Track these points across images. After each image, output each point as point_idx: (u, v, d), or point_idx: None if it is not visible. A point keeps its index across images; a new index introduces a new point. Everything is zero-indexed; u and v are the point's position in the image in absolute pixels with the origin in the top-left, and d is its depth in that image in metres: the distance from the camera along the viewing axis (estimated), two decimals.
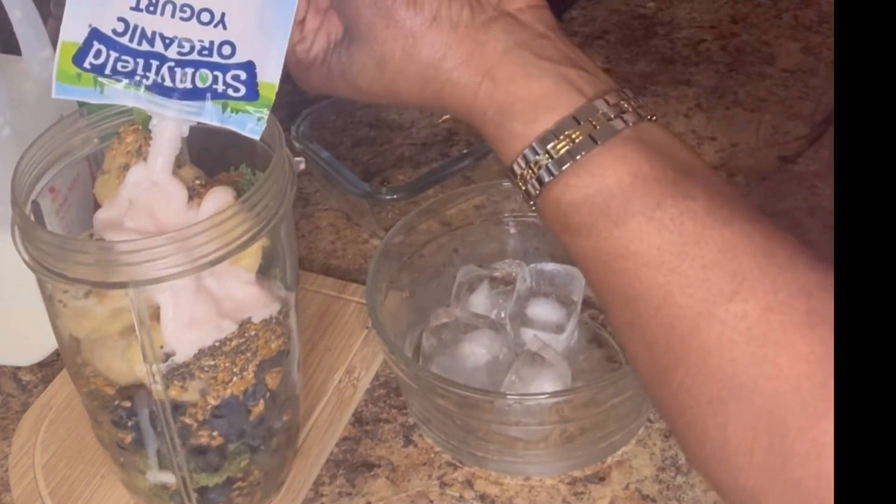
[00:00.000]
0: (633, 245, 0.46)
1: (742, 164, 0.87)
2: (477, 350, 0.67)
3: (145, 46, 0.53)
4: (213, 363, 0.55)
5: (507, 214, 0.74)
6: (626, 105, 0.49)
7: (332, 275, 0.80)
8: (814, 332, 0.43)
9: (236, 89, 0.53)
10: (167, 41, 0.53)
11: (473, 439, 0.65)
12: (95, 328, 0.55)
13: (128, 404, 0.57)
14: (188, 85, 0.53)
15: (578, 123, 0.49)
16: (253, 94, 0.53)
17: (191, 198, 0.55)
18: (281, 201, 0.54)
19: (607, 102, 0.49)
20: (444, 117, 0.90)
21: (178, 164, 0.55)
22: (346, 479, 0.66)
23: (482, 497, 0.65)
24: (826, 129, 0.66)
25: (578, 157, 0.48)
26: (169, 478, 0.59)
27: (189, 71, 0.53)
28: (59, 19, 0.69)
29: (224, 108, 0.53)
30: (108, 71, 0.53)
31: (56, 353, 0.74)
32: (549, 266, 0.71)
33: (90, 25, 0.53)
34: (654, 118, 0.50)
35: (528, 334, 0.68)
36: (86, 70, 0.53)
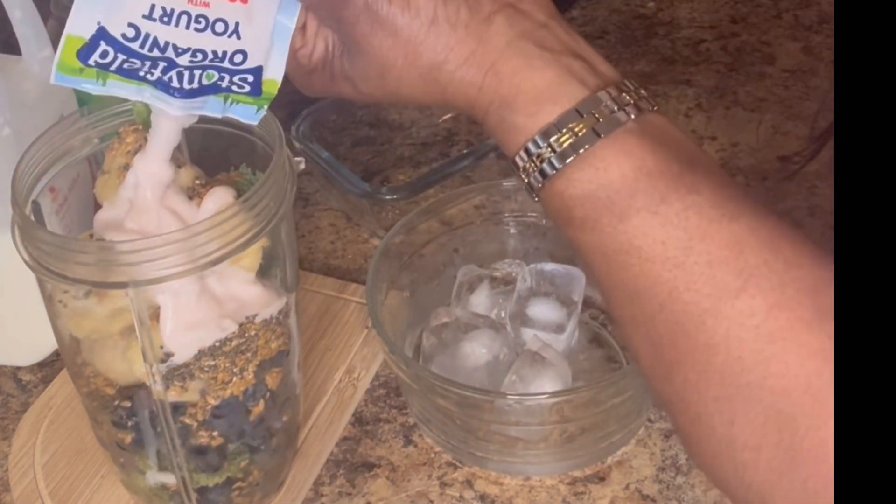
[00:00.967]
0: (637, 240, 0.46)
1: (742, 164, 0.87)
2: (477, 350, 0.67)
3: (156, 53, 0.53)
4: (213, 363, 0.55)
5: (507, 214, 0.74)
6: (628, 97, 0.49)
7: (332, 275, 0.80)
8: (822, 328, 0.42)
9: (241, 87, 0.53)
10: (180, 51, 0.53)
11: (473, 439, 0.65)
12: (95, 328, 0.55)
13: (128, 404, 0.57)
14: (194, 85, 0.53)
15: (581, 116, 0.48)
16: (257, 90, 0.53)
17: (191, 198, 0.55)
18: (281, 201, 0.54)
19: (610, 94, 0.48)
20: (445, 117, 0.90)
21: (178, 165, 0.55)
22: (346, 479, 0.66)
23: (482, 497, 0.65)
24: (821, 146, 0.65)
25: (581, 151, 0.47)
26: (169, 478, 0.59)
27: (197, 73, 0.53)
28: (59, 19, 0.69)
29: (226, 99, 0.53)
30: (113, 69, 0.52)
31: (56, 353, 0.74)
32: (550, 266, 0.70)
33: (99, 24, 0.53)
34: (657, 109, 0.49)
35: (528, 334, 0.68)
36: (90, 66, 0.52)
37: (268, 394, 0.58)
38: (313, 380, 0.71)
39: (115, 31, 0.53)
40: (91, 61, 0.52)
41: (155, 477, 0.59)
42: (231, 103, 0.52)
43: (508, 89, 0.50)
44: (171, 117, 0.53)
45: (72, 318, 0.55)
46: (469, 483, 0.65)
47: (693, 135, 0.90)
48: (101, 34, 0.53)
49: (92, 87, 0.52)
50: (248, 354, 0.56)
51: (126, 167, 0.55)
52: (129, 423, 0.57)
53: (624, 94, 0.49)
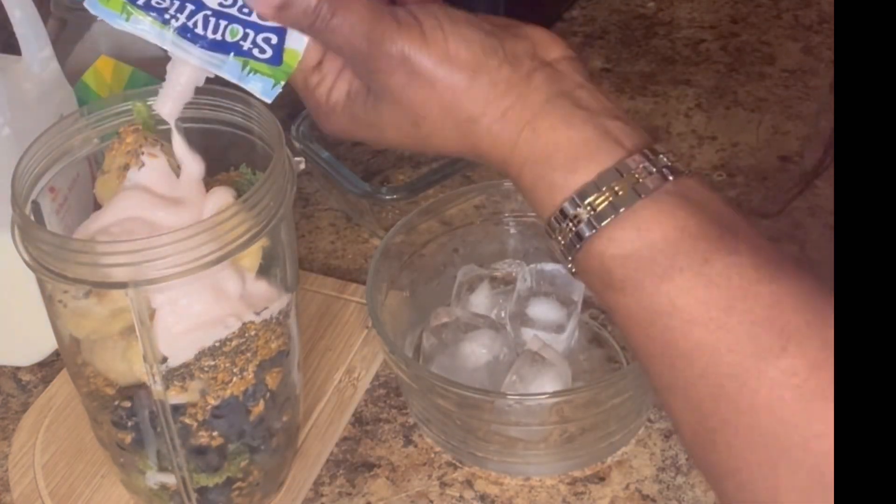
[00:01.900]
0: (680, 300, 0.45)
1: (742, 164, 0.87)
2: (477, 350, 0.67)
3: None
4: (213, 363, 0.55)
5: (507, 214, 0.74)
6: (665, 158, 0.48)
7: (332, 275, 0.80)
8: None
9: (262, 50, 0.52)
10: None
11: (473, 439, 0.65)
12: (95, 328, 0.55)
13: (128, 404, 0.57)
14: (217, 37, 0.52)
15: (621, 175, 0.47)
16: (277, 58, 0.52)
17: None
18: (281, 201, 0.54)
19: (647, 156, 0.48)
20: None
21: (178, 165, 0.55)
22: (346, 479, 0.66)
23: (482, 497, 0.65)
24: (811, 180, 0.65)
25: (622, 211, 0.47)
26: (169, 478, 0.59)
27: (223, 23, 0.52)
28: (59, 19, 0.69)
29: (244, 66, 0.52)
30: (140, 3, 0.52)
31: (56, 353, 0.74)
32: (550, 266, 0.70)
33: None
34: (691, 172, 0.49)
35: (528, 334, 0.68)
36: None
37: (268, 394, 0.58)
38: (313, 380, 0.71)
39: None
40: None
41: (155, 477, 0.59)
42: (249, 72, 0.52)
43: (545, 146, 0.49)
44: (188, 66, 0.52)
45: (72, 318, 0.55)
46: (469, 483, 0.65)
47: (693, 135, 0.90)
48: None
49: (115, 20, 0.52)
50: (248, 354, 0.56)
51: (126, 167, 0.55)
52: (129, 423, 0.57)
53: (661, 156, 0.48)
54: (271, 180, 0.53)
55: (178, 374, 0.55)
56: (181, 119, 0.57)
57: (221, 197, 0.55)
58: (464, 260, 0.74)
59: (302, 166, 0.58)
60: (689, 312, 0.45)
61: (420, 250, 0.73)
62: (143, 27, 0.52)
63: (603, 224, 0.47)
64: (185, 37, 0.52)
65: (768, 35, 1.02)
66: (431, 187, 0.79)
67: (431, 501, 0.65)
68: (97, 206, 0.57)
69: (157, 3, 0.52)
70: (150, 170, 0.55)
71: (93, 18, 0.75)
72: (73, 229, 0.56)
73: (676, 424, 0.47)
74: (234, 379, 0.56)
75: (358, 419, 0.69)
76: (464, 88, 0.50)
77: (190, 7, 0.52)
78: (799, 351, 0.43)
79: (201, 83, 0.54)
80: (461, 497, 0.65)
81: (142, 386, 0.55)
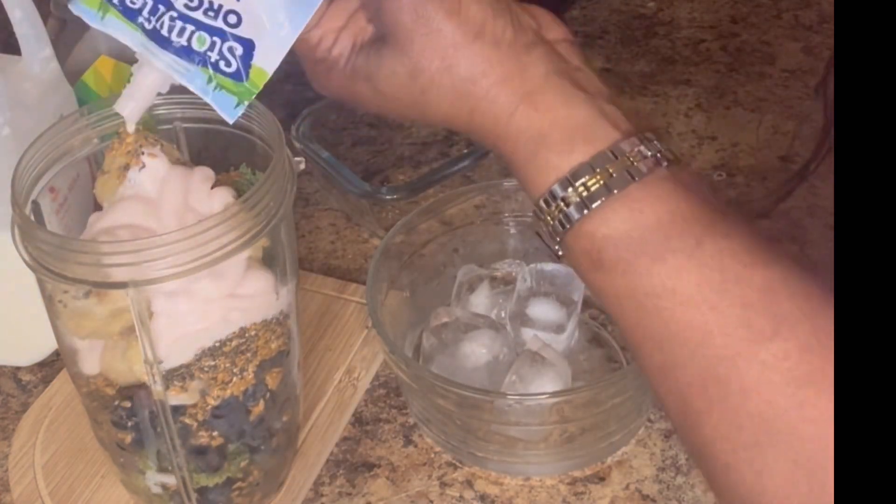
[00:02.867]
0: (671, 282, 0.45)
1: (742, 164, 0.87)
2: (477, 350, 0.67)
3: None
4: (213, 363, 0.55)
5: (507, 214, 0.74)
6: (658, 144, 0.49)
7: (332, 275, 0.80)
8: None
9: (228, 63, 0.52)
10: None
11: (473, 439, 0.65)
12: (95, 328, 0.55)
13: (128, 404, 0.57)
14: (184, 42, 0.52)
15: (615, 158, 0.48)
16: (242, 74, 0.52)
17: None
18: (281, 201, 0.54)
19: (641, 140, 0.48)
20: None
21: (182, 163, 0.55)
22: (346, 479, 0.66)
23: (482, 497, 0.65)
24: (794, 188, 0.65)
25: (616, 192, 0.47)
26: (169, 478, 0.59)
27: (189, 28, 0.52)
28: (59, 19, 0.69)
29: (210, 80, 0.52)
30: (115, 2, 0.52)
31: (56, 353, 0.74)
32: (550, 266, 0.70)
33: None
34: (683, 161, 0.49)
35: (528, 334, 0.68)
36: None
37: (268, 394, 0.58)
38: (313, 380, 0.71)
39: None
40: None
41: (155, 477, 0.59)
42: (215, 87, 0.52)
43: (542, 123, 0.49)
44: (153, 69, 0.52)
45: (72, 318, 0.55)
46: (469, 483, 0.65)
47: (693, 135, 0.90)
48: None
49: (91, 19, 0.52)
50: (248, 355, 0.56)
51: (126, 167, 0.55)
52: (129, 423, 0.57)
53: (655, 143, 0.48)
54: (271, 180, 0.53)
55: (177, 375, 0.55)
56: (183, 119, 0.58)
57: (221, 197, 0.55)
58: (464, 260, 0.74)
59: (302, 166, 0.58)
60: (681, 294, 0.45)
61: (420, 250, 0.73)
62: (116, 28, 0.52)
63: (595, 204, 0.47)
64: (154, 40, 0.52)
65: (768, 35, 1.02)
66: (431, 187, 0.79)
67: (431, 501, 0.65)
68: (97, 206, 0.57)
69: (132, 3, 0.52)
70: (151, 172, 0.55)
71: None
72: (73, 229, 0.56)
73: (665, 408, 0.48)
74: (234, 379, 0.56)
75: (358, 419, 0.69)
76: (467, 44, 0.50)
77: (161, 8, 0.52)
78: (791, 335, 0.43)
79: (165, 90, 0.54)
80: (461, 497, 0.65)
81: (142, 386, 0.55)
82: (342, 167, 0.81)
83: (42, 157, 0.56)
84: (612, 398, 0.62)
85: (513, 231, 0.74)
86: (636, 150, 0.48)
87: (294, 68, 0.55)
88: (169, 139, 0.58)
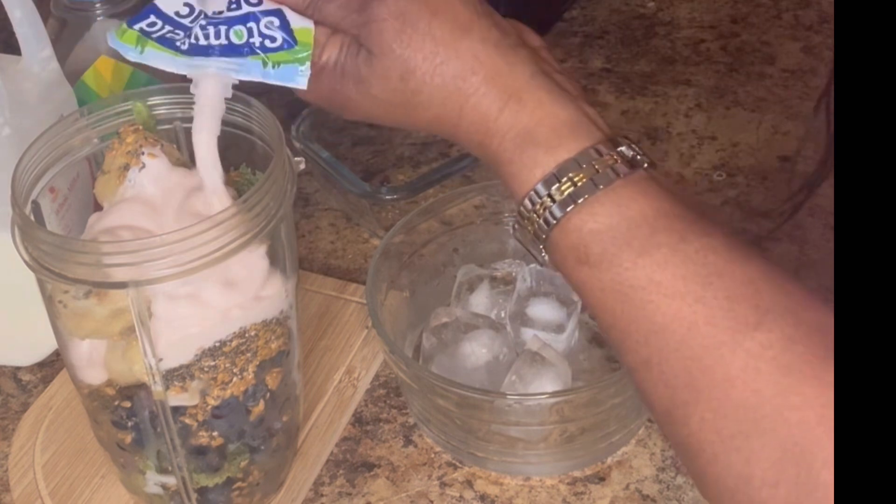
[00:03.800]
0: (657, 275, 0.46)
1: (742, 164, 0.87)
2: (477, 350, 0.67)
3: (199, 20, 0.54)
4: (213, 364, 0.55)
5: (507, 214, 0.74)
6: (637, 147, 0.50)
7: (332, 275, 0.80)
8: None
9: (272, 39, 0.53)
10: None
11: (473, 439, 0.65)
12: (95, 328, 0.55)
13: (128, 404, 0.57)
14: (224, 41, 0.53)
15: (600, 156, 0.49)
16: (290, 41, 0.53)
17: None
18: (281, 201, 0.54)
19: (621, 141, 0.50)
20: None
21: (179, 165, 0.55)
22: (346, 479, 0.66)
23: (482, 497, 0.65)
24: (801, 204, 0.65)
25: (601, 188, 0.48)
26: (169, 478, 0.59)
27: (222, 28, 0.53)
28: (59, 19, 0.70)
29: (265, 63, 0.53)
30: (154, 37, 0.53)
31: (56, 353, 0.74)
32: None
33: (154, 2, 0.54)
34: (656, 166, 0.51)
35: (528, 334, 0.68)
36: (132, 30, 0.53)
37: (268, 394, 0.58)
38: (313, 380, 0.71)
39: (169, 9, 0.54)
40: (136, 27, 0.53)
41: (155, 477, 0.59)
42: (273, 66, 0.53)
43: (529, 119, 0.50)
44: (209, 78, 0.53)
45: (72, 319, 0.55)
46: (469, 483, 0.65)
47: (693, 135, 0.90)
48: (153, 9, 0.54)
49: (131, 53, 0.54)
50: (248, 355, 0.56)
51: (126, 167, 0.55)
52: (129, 424, 0.57)
53: (633, 145, 0.50)
54: (271, 180, 0.53)
55: (178, 375, 0.55)
56: (183, 119, 0.57)
57: (221, 196, 0.55)
58: (464, 260, 0.74)
59: (302, 166, 0.58)
60: (666, 286, 0.46)
61: (420, 250, 0.73)
62: (157, 57, 0.53)
63: (581, 200, 0.48)
64: (197, 54, 0.53)
65: (768, 35, 1.02)
66: (431, 187, 0.80)
67: (431, 501, 0.65)
68: (97, 206, 0.57)
69: (172, 35, 0.53)
70: (152, 173, 0.55)
71: (93, 18, 0.75)
72: (73, 229, 0.56)
73: (649, 401, 0.48)
74: (234, 379, 0.56)
75: (358, 419, 0.69)
76: (455, 41, 0.51)
77: (192, 25, 0.53)
78: (775, 325, 0.44)
79: (229, 94, 0.54)
80: (461, 497, 0.65)
81: (142, 386, 0.55)
82: (342, 167, 0.81)
83: (42, 157, 0.56)
84: (612, 398, 0.62)
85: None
86: (619, 149, 0.50)
87: None
88: (169, 139, 0.58)
